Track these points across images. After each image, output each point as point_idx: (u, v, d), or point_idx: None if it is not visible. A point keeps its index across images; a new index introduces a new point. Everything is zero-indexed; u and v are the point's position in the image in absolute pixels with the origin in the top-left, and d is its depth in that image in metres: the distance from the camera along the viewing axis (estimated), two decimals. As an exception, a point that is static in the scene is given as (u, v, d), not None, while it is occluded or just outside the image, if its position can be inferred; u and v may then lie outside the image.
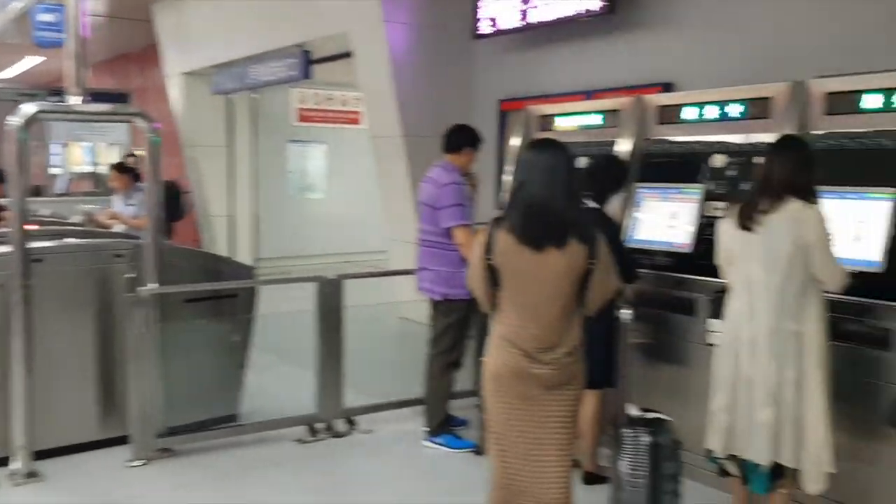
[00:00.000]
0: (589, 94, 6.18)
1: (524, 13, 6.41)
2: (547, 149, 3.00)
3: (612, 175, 3.88)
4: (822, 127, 3.66)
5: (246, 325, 4.86)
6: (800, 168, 3.11)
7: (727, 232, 3.28)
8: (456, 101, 7.44)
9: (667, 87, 5.68)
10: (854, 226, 3.43)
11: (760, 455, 3.16)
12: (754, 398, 3.19)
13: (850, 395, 3.32)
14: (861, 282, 3.32)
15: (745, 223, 3.18)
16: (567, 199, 2.89)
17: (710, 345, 3.43)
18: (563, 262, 2.87)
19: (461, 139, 4.48)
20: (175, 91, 11.06)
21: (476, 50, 7.52)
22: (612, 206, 4.15)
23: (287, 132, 11.70)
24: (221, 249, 10.83)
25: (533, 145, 3.05)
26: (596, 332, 3.66)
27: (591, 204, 3.84)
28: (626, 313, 3.22)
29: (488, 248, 2.91)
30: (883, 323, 3.24)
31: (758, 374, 3.18)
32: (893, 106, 3.43)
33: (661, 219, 4.24)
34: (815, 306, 3.12)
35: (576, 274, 2.90)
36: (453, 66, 7.53)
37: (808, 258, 3.07)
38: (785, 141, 3.24)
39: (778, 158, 3.15)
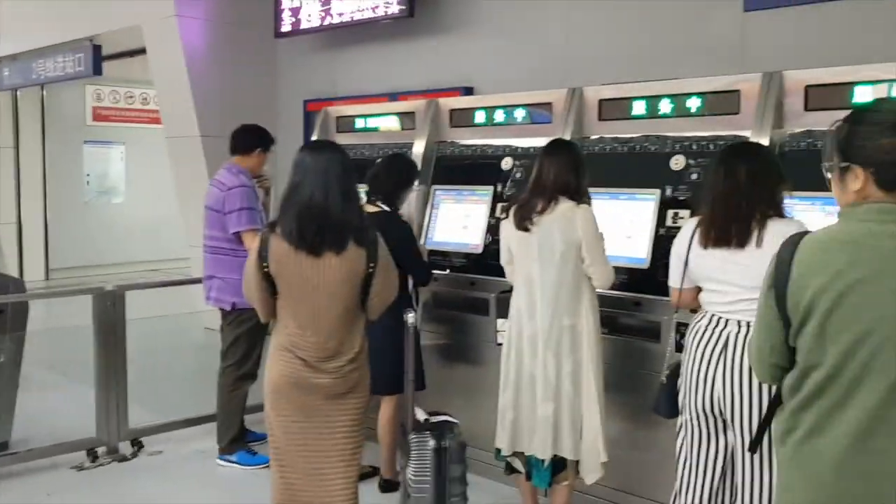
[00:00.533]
0: (393, 97, 6.18)
1: (325, 13, 6.29)
2: (322, 150, 2.91)
3: (398, 175, 3.84)
4: (597, 132, 3.84)
5: (17, 343, 4.40)
6: (569, 170, 3.22)
7: (507, 233, 3.35)
8: (260, 101, 7.20)
9: (467, 91, 5.79)
10: (625, 225, 3.62)
11: (542, 449, 3.24)
12: (536, 394, 3.28)
13: (624, 386, 3.50)
14: (631, 278, 3.52)
15: (522, 224, 3.25)
16: (344, 201, 2.82)
17: (500, 344, 3.48)
18: (342, 268, 2.80)
19: (250, 140, 4.30)
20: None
21: (281, 49, 7.33)
22: (409, 206, 4.14)
23: (82, 132, 10.83)
24: (11, 260, 9.85)
25: (307, 147, 2.95)
26: (390, 336, 3.64)
27: (382, 206, 3.80)
28: (410, 316, 3.19)
29: (263, 255, 2.78)
30: (651, 316, 3.44)
31: (539, 370, 3.27)
32: (658, 112, 3.65)
33: (457, 220, 4.28)
34: (588, 301, 3.25)
35: (356, 279, 2.83)
36: (257, 64, 7.29)
37: (579, 256, 3.20)
38: (555, 144, 3.35)
39: (549, 161, 3.25)
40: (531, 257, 3.26)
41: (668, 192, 3.53)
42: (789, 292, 1.67)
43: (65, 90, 10.05)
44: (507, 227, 3.34)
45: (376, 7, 5.96)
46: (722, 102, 3.46)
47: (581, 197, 3.24)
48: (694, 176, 3.49)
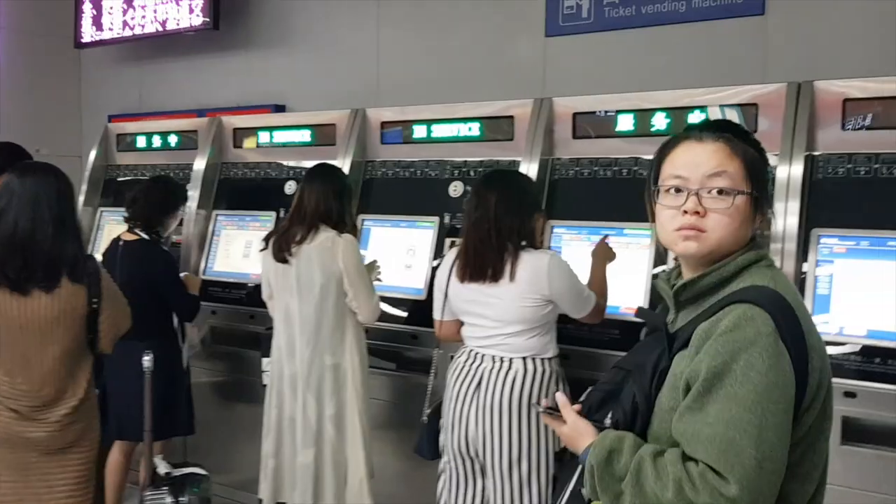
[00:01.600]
0: (201, 113, 5.80)
1: (125, 24, 5.84)
2: (32, 173, 2.55)
3: (159, 200, 3.48)
4: (381, 155, 3.65)
5: None
6: (331, 197, 3.00)
7: (266, 265, 3.08)
8: (63, 116, 6.62)
9: (278, 109, 5.50)
10: (404, 255, 3.43)
11: (303, 500, 2.98)
12: (296, 439, 3.01)
13: (401, 425, 3.28)
14: (410, 309, 3.32)
15: (280, 255, 2.99)
16: (57, 231, 2.47)
17: (265, 385, 3.19)
18: (54, 307, 2.46)
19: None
20: None
21: (86, 60, 6.77)
22: (177, 233, 3.80)
23: None
24: None
25: (16, 169, 2.58)
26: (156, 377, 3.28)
27: (141, 234, 3.43)
28: (147, 360, 2.85)
29: None
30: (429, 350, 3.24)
31: (299, 413, 3.00)
32: (438, 136, 3.49)
33: (238, 248, 3.96)
34: (353, 338, 3.03)
35: (74, 318, 2.50)
36: (58, 76, 6.68)
37: (341, 289, 2.97)
38: (317, 170, 3.12)
39: (310, 187, 3.02)
40: (290, 291, 3.01)
41: (447, 219, 3.37)
42: (811, 370, 1.35)
43: None
44: (267, 259, 3.07)
45: (179, 19, 5.57)
46: (498, 128, 3.35)
47: (344, 226, 3.02)
48: (469, 204, 3.35)
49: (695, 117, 2.91)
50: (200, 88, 5.99)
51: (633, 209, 2.95)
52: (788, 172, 2.68)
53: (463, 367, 2.64)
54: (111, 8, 5.96)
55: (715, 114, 2.87)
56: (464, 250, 2.62)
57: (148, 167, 4.39)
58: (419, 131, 3.52)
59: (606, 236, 2.85)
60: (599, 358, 2.87)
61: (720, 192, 1.40)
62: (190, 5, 5.51)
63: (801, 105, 2.71)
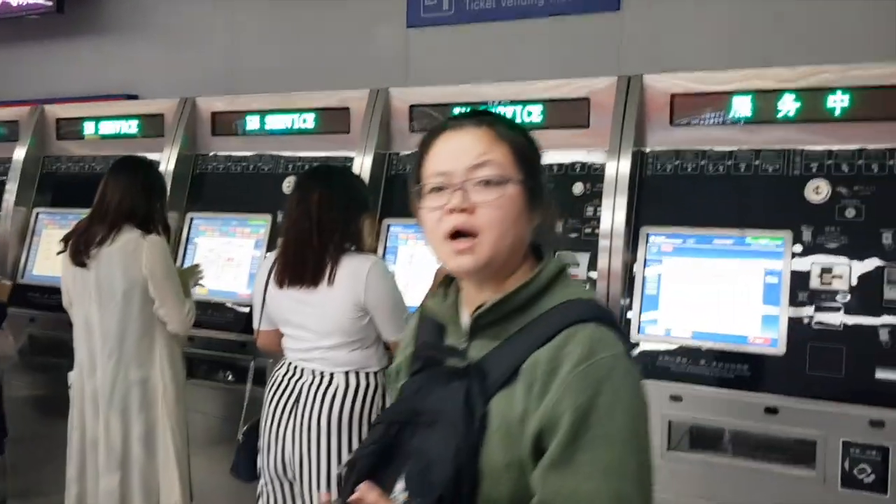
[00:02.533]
0: (49, 102, 5.37)
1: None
2: None
3: None
4: (212, 148, 3.39)
5: None
6: (137, 193, 2.72)
7: (64, 268, 2.78)
8: None
9: (130, 98, 5.14)
10: (235, 255, 3.18)
11: (108, 528, 2.70)
12: (100, 463, 2.73)
13: (228, 441, 3.03)
14: (237, 317, 3.09)
15: (78, 258, 2.70)
16: None
17: (75, 402, 2.89)
18: None
19: None
20: None
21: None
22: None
23: None
24: None
25: None
26: None
27: None
28: None
29: None
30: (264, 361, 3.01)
31: (101, 433, 2.72)
32: (272, 129, 3.26)
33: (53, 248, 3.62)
34: (164, 350, 2.76)
35: None
36: None
37: (147, 295, 2.70)
38: (122, 163, 2.84)
39: (113, 183, 2.74)
40: (89, 298, 2.72)
41: (280, 217, 3.14)
42: None
43: None
44: (65, 263, 2.77)
45: (20, 1, 5.13)
46: (334, 120, 3.14)
47: (151, 225, 2.75)
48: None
49: (528, 110, 2.79)
50: (45, 77, 5.56)
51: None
52: (617, 169, 2.58)
53: (281, 381, 2.42)
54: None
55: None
56: (282, 252, 2.40)
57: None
58: (252, 123, 3.28)
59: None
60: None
61: (487, 182, 1.21)
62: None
63: (630, 100, 2.61)
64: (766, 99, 2.50)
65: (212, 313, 3.17)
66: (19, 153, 3.74)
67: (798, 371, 2.31)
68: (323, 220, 2.32)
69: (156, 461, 2.74)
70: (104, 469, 2.71)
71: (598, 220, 2.59)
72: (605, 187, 2.58)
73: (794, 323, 2.34)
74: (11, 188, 3.65)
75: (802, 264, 2.37)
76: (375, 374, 2.39)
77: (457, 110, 2.91)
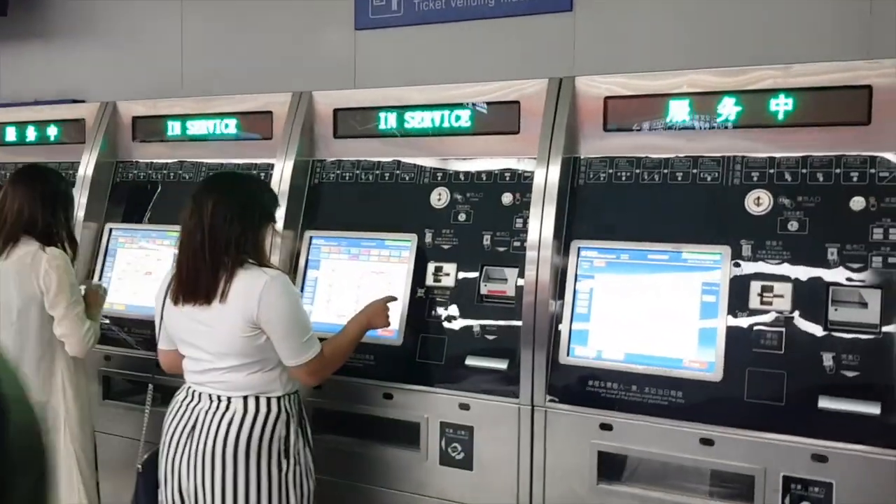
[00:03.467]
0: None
1: None
2: None
3: None
4: (134, 155, 3.20)
5: None
6: (38, 203, 2.53)
7: (-41, 284, 2.58)
8: None
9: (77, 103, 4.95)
10: (152, 268, 2.99)
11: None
12: None
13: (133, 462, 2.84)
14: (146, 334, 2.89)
15: (-29, 272, 2.51)
16: None
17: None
18: None
19: None
20: None
21: None
22: None
23: None
24: None
25: None
26: None
27: None
28: None
29: None
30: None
31: None
32: (188, 133, 3.07)
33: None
34: (65, 373, 2.57)
35: None
36: None
37: (45, 313, 2.51)
38: (24, 171, 2.65)
39: (12, 192, 2.55)
40: (-16, 315, 2.53)
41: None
42: None
43: None
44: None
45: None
46: (256, 125, 2.95)
47: (51, 238, 2.56)
48: (227, 211, 2.94)
49: (455, 115, 2.61)
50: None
51: (398, 218, 2.67)
52: (546, 177, 2.39)
53: (179, 406, 2.23)
54: None
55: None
56: (177, 267, 2.21)
57: None
58: (173, 128, 3.09)
59: (394, 298, 2.44)
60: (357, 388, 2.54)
61: None
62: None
63: (562, 104, 2.43)
64: (704, 103, 2.32)
65: (129, 330, 2.99)
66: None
67: (736, 399, 2.13)
68: (216, 231, 2.13)
69: (57, 492, 2.54)
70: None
71: (527, 232, 2.40)
72: (534, 197, 2.40)
73: (731, 344, 2.16)
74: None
75: (741, 282, 2.19)
76: (279, 399, 2.20)
77: (382, 115, 2.73)
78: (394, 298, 2.42)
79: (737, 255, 2.20)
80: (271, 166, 2.85)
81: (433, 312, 2.53)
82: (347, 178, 2.78)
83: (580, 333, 2.34)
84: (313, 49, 4.29)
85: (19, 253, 2.48)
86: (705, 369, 2.19)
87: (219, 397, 2.17)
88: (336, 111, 2.79)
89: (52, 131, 3.39)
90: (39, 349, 2.52)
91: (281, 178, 2.76)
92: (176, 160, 3.09)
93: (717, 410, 2.14)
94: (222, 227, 2.13)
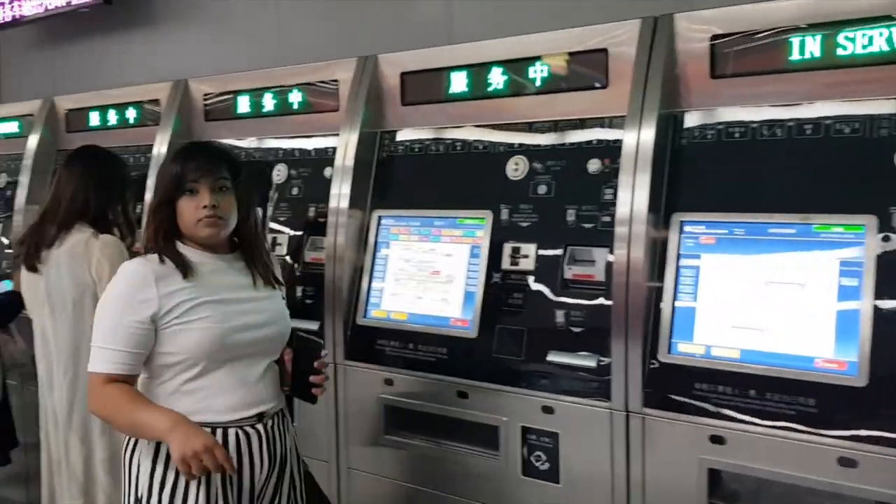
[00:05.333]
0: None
1: (14, 5, 5.33)
2: None
3: None
4: (207, 134, 3.04)
5: None
6: (90, 187, 2.40)
7: (21, 274, 2.50)
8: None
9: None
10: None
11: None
12: (63, 487, 2.46)
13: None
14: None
15: (29, 262, 2.41)
16: None
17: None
18: None
19: None
20: None
21: (5, 45, 6.30)
22: None
23: None
24: None
25: None
26: None
27: None
28: None
29: None
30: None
31: (63, 457, 2.44)
32: (262, 111, 2.86)
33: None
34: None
35: None
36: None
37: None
38: (78, 153, 2.53)
39: (67, 176, 2.43)
40: (42, 307, 2.43)
41: (271, 211, 2.75)
42: None
43: None
44: (22, 267, 2.49)
45: (70, -1, 5.03)
46: (323, 97, 2.70)
47: (106, 224, 2.42)
48: (295, 191, 2.72)
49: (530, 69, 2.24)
50: (103, 69, 5.47)
51: (471, 192, 2.34)
52: (638, 138, 1.99)
53: None
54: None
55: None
56: None
57: None
58: (243, 104, 2.90)
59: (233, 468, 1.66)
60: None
61: None
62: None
63: (657, 48, 2.01)
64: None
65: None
66: (31, 144, 3.56)
67: (883, 407, 1.67)
68: None
69: (119, 488, 2.42)
70: (67, 495, 2.44)
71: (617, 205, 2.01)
72: (624, 162, 2.00)
73: (879, 341, 1.70)
74: (24, 181, 3.50)
75: (891, 259, 1.71)
76: None
77: (454, 75, 2.40)
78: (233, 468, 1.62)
79: (885, 227, 1.73)
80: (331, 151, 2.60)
81: (510, 300, 2.19)
82: (416, 149, 2.48)
83: (684, 326, 1.93)
84: (405, 15, 3.98)
85: (72, 241, 2.36)
86: (844, 371, 1.74)
87: None
88: (403, 75, 2.49)
89: (131, 114, 3.29)
90: (99, 342, 2.39)
91: (345, 152, 2.50)
92: (248, 139, 2.90)
93: (859, 423, 1.69)
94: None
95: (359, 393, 2.42)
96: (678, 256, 1.96)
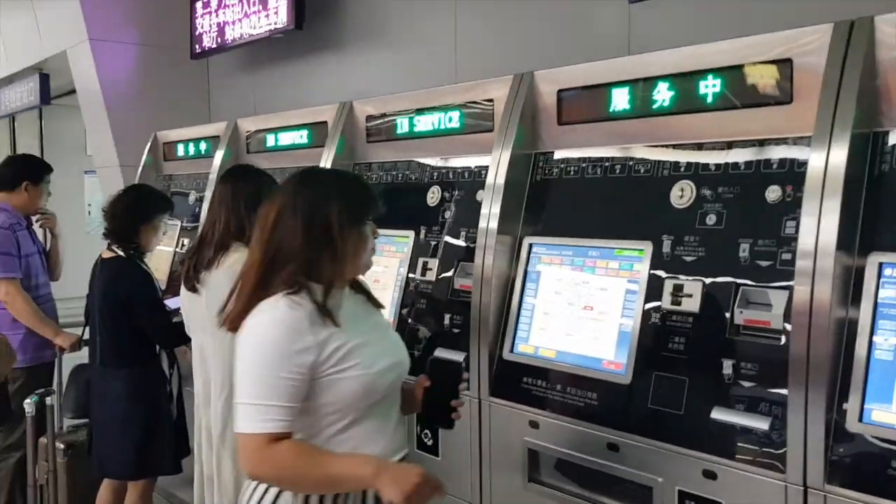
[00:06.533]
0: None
1: (222, 33, 5.74)
2: None
3: (125, 211, 3.10)
4: (369, 156, 3.03)
5: None
6: (241, 206, 2.44)
7: (182, 293, 2.59)
8: (191, 125, 6.71)
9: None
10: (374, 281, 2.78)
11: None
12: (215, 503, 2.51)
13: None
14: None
15: (189, 283, 2.50)
16: None
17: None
18: None
19: (13, 173, 3.75)
20: (-50, 119, 10.09)
21: (212, 69, 6.83)
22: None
23: (82, 162, 10.74)
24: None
25: None
26: (120, 407, 2.99)
27: (117, 251, 3.09)
28: (29, 403, 2.49)
29: None
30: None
31: (215, 474, 2.50)
32: (416, 130, 2.81)
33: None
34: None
35: None
36: (187, 88, 6.79)
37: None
38: (231, 172, 2.58)
39: (220, 195, 2.48)
40: (202, 327, 2.50)
41: (423, 235, 2.67)
42: None
43: (63, 120, 9.98)
44: (182, 287, 2.59)
45: (267, 24, 5.33)
46: (478, 115, 2.58)
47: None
48: (447, 214, 2.62)
49: (700, 84, 1.98)
50: (295, 92, 5.74)
51: (630, 220, 2.11)
52: (826, 160, 1.67)
53: None
54: (209, 19, 5.90)
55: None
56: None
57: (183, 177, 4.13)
58: (402, 125, 2.85)
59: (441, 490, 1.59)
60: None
61: None
62: (276, 9, 5.25)
63: (852, 55, 1.68)
64: None
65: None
66: (215, 165, 3.76)
67: None
68: None
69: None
70: (224, 512, 2.49)
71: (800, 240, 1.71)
72: (808, 189, 1.69)
73: None
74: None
75: None
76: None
77: (615, 91, 2.19)
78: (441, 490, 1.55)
79: None
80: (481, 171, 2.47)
81: (670, 344, 1.94)
82: (572, 172, 2.29)
83: (881, 387, 1.60)
84: (584, 27, 3.80)
85: (229, 260, 2.40)
86: None
87: None
88: (560, 93, 2.31)
89: (301, 136, 3.37)
90: (252, 363, 2.42)
91: (496, 173, 2.36)
92: (405, 160, 2.85)
93: None
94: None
95: (503, 433, 2.26)
96: (876, 305, 1.63)
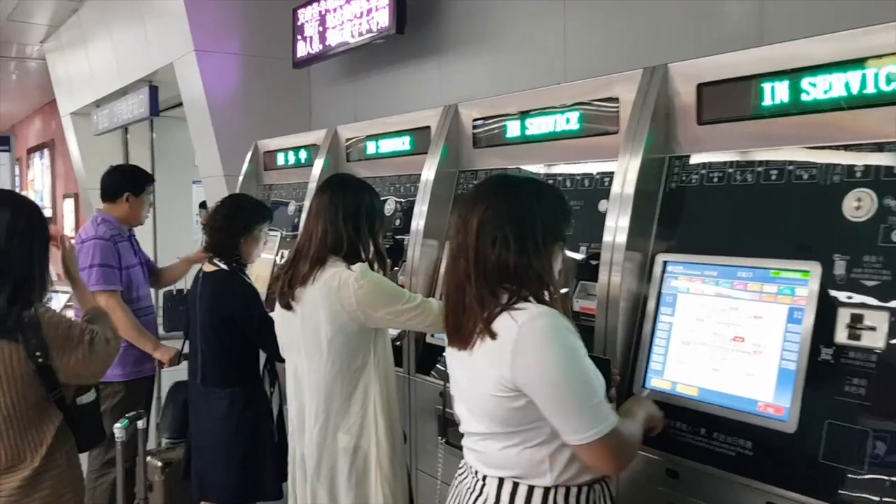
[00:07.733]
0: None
1: (322, 38, 5.66)
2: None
3: (224, 223, 2.98)
4: (475, 163, 2.79)
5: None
6: (339, 218, 2.25)
7: (276, 312, 2.41)
8: (293, 134, 6.70)
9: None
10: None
11: None
12: (310, 542, 2.32)
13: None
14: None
15: (283, 299, 2.31)
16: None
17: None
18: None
19: (116, 184, 3.71)
20: (69, 132, 10.55)
21: (314, 78, 6.80)
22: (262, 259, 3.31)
23: (190, 172, 11.02)
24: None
25: None
26: (222, 428, 2.87)
27: (220, 264, 2.97)
28: (119, 428, 2.36)
29: None
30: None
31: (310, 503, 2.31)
32: (527, 134, 2.54)
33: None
34: (379, 411, 2.24)
35: (16, 378, 2.12)
36: (289, 97, 6.79)
37: (359, 343, 2.21)
38: (329, 182, 2.38)
39: (316, 208, 2.29)
40: (296, 347, 2.32)
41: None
42: None
43: (173, 131, 10.28)
44: (277, 306, 2.40)
45: (366, 29, 5.21)
46: (600, 116, 2.29)
47: (359, 255, 2.25)
48: (565, 227, 2.34)
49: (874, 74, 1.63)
50: (397, 97, 5.60)
51: (791, 236, 1.77)
52: None
53: (457, 476, 1.76)
54: (311, 27, 5.84)
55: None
56: (444, 298, 1.70)
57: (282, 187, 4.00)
58: (512, 129, 2.59)
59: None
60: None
61: None
62: (377, 14, 5.12)
63: None
64: None
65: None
66: (315, 174, 3.61)
67: None
68: (485, 254, 1.57)
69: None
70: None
71: None
72: None
73: None
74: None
75: None
76: (547, 492, 1.56)
77: (766, 85, 1.86)
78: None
79: None
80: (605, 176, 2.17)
81: (847, 387, 1.60)
82: (715, 178, 1.96)
83: None
84: (711, 20, 3.45)
85: (325, 276, 2.20)
86: None
87: (476, 473, 1.66)
88: (701, 87, 2.00)
89: (404, 143, 3.16)
90: (350, 384, 2.22)
91: (623, 181, 2.06)
92: (515, 166, 2.59)
93: None
94: (491, 250, 1.55)
95: (637, 482, 1.96)
96: None
